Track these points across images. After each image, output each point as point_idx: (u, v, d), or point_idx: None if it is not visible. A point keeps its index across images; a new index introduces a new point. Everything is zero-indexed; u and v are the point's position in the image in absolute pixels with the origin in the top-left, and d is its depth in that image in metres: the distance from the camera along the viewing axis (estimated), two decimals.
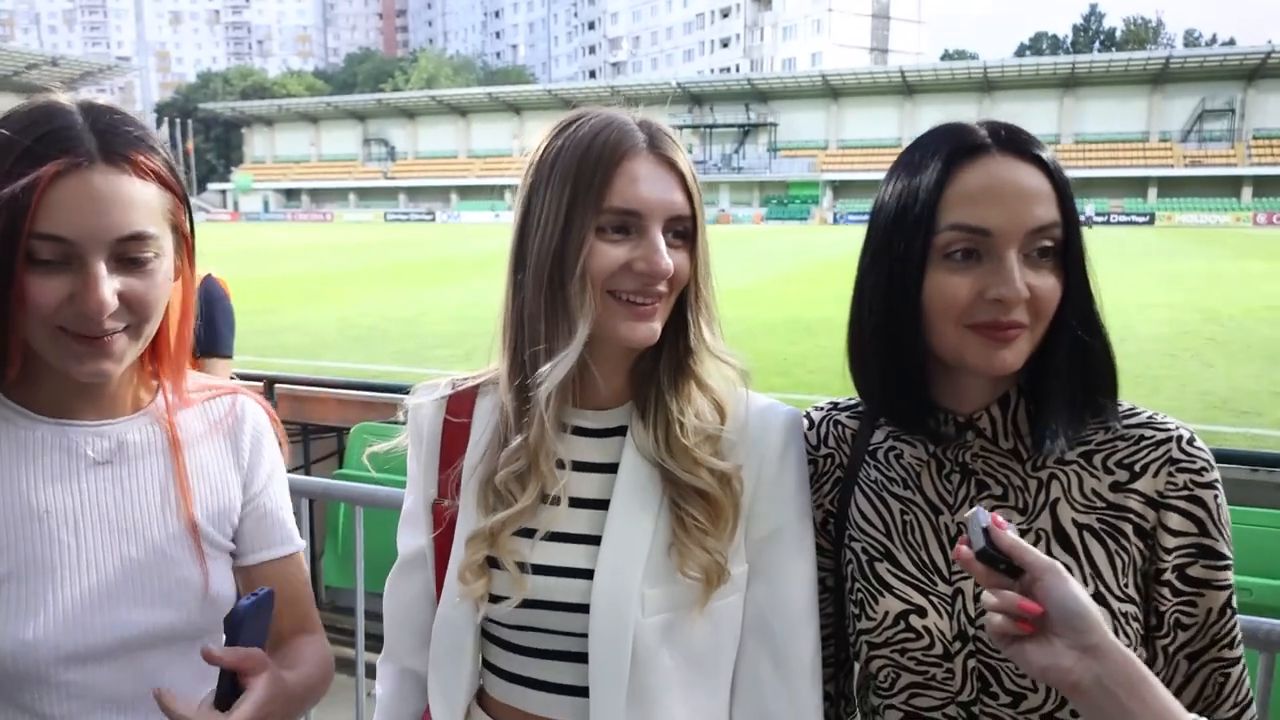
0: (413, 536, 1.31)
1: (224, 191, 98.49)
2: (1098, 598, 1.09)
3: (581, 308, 1.10)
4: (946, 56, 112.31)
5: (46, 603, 1.12)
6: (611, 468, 1.20)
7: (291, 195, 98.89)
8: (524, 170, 1.18)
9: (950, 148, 1.12)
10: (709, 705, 1.19)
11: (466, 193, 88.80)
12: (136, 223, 1.05)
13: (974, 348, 1.11)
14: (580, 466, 1.20)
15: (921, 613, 1.17)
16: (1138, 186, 69.05)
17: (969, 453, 1.20)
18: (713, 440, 1.18)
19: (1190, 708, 1.10)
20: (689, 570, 1.14)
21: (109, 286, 1.04)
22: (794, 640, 1.20)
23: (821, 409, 1.35)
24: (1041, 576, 0.93)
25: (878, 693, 1.24)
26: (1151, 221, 63.41)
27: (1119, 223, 63.39)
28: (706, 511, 1.15)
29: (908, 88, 77.14)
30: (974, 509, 0.99)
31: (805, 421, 1.33)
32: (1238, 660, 1.13)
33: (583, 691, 1.15)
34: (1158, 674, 1.10)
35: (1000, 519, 0.96)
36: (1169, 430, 1.14)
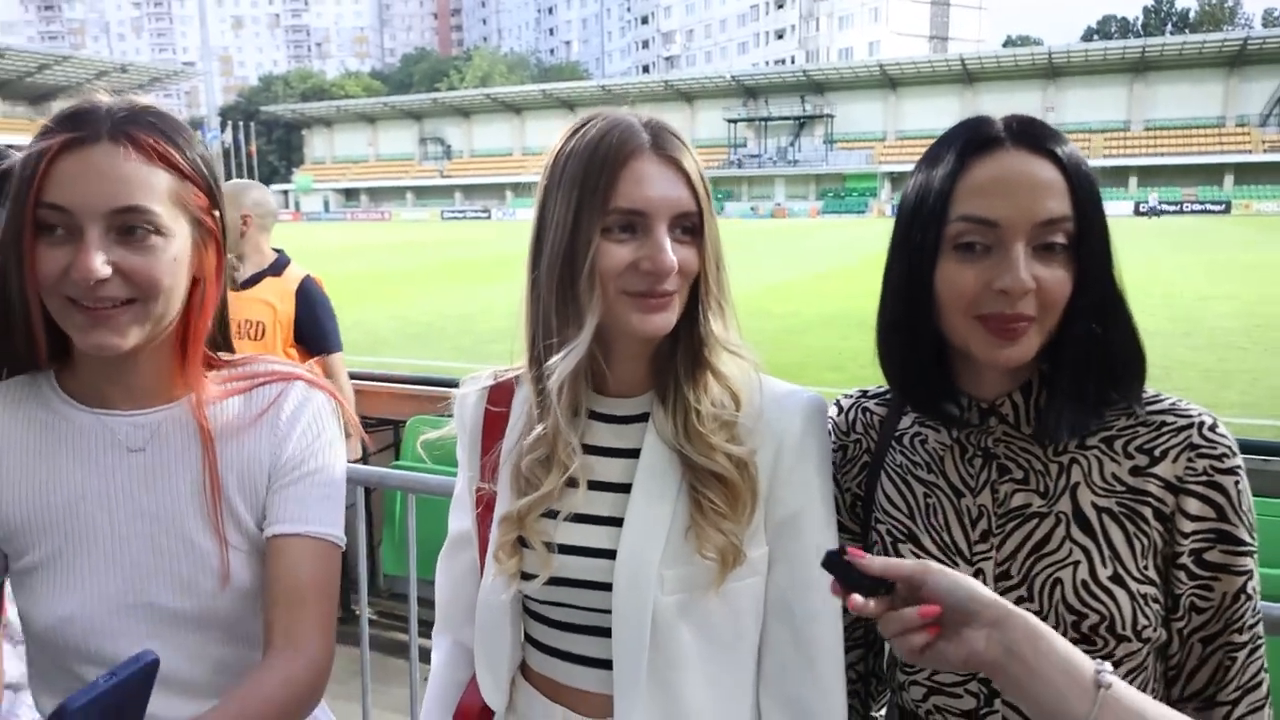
0: (460, 517, 1.40)
1: (286, 192, 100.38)
2: (1116, 579, 1.12)
3: (590, 304, 1.15)
4: (1009, 43, 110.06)
5: (83, 581, 1.19)
6: (633, 453, 1.25)
7: (350, 195, 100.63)
8: (540, 173, 1.22)
9: (965, 140, 1.15)
10: (728, 681, 1.24)
11: (521, 190, 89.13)
12: (133, 196, 1.09)
13: (980, 340, 1.13)
14: (603, 451, 1.26)
15: None
16: (1213, 174, 67.00)
17: (991, 438, 1.22)
18: (728, 426, 1.22)
19: (1203, 691, 1.14)
20: (705, 551, 1.18)
21: (100, 255, 1.07)
22: (815, 622, 1.24)
23: (851, 396, 1.39)
24: (923, 580, 0.95)
25: (903, 669, 1.27)
26: (1228, 210, 61.43)
27: (1193, 211, 61.59)
28: (723, 495, 1.19)
29: (968, 76, 75.84)
30: (822, 554, 0.99)
31: (834, 408, 1.37)
32: (1245, 645, 1.14)
33: (608, 664, 1.22)
34: (1172, 656, 1.15)
35: (854, 549, 0.98)
36: (1190, 416, 1.15)
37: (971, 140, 1.15)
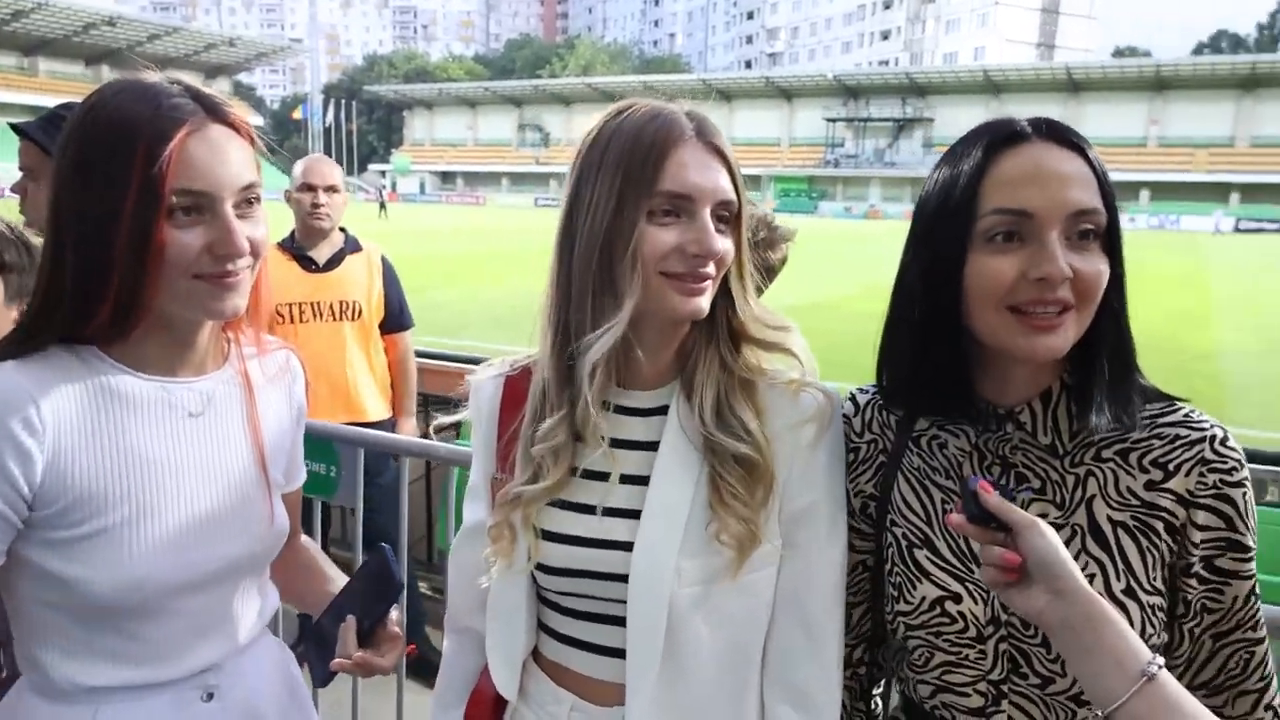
0: (475, 508, 1.40)
1: (383, 172, 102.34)
2: (1128, 592, 1.15)
3: (630, 286, 1.16)
4: (1118, 54, 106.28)
5: (154, 542, 1.24)
6: (652, 445, 1.26)
7: (447, 178, 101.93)
8: (572, 158, 1.24)
9: (990, 137, 1.16)
10: (742, 672, 1.26)
11: None
12: (251, 173, 1.20)
13: (1014, 332, 1.12)
14: (623, 444, 1.26)
15: (957, 599, 1.22)
16: None
17: (1009, 445, 1.22)
18: (757, 407, 1.24)
19: (1212, 680, 1.20)
20: (724, 538, 1.20)
21: (242, 230, 1.18)
22: (823, 613, 1.27)
23: (866, 392, 1.38)
24: (1022, 532, 1.02)
25: (911, 668, 1.29)
26: None
27: None
28: (744, 479, 1.21)
29: (1074, 85, 73.39)
30: (968, 475, 1.09)
31: (850, 406, 1.37)
32: (1261, 640, 1.19)
33: (622, 653, 1.24)
34: (1182, 653, 1.19)
35: (987, 484, 1.04)
36: (1204, 430, 1.16)
37: (998, 136, 1.15)
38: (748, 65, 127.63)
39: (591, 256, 1.18)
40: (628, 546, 1.22)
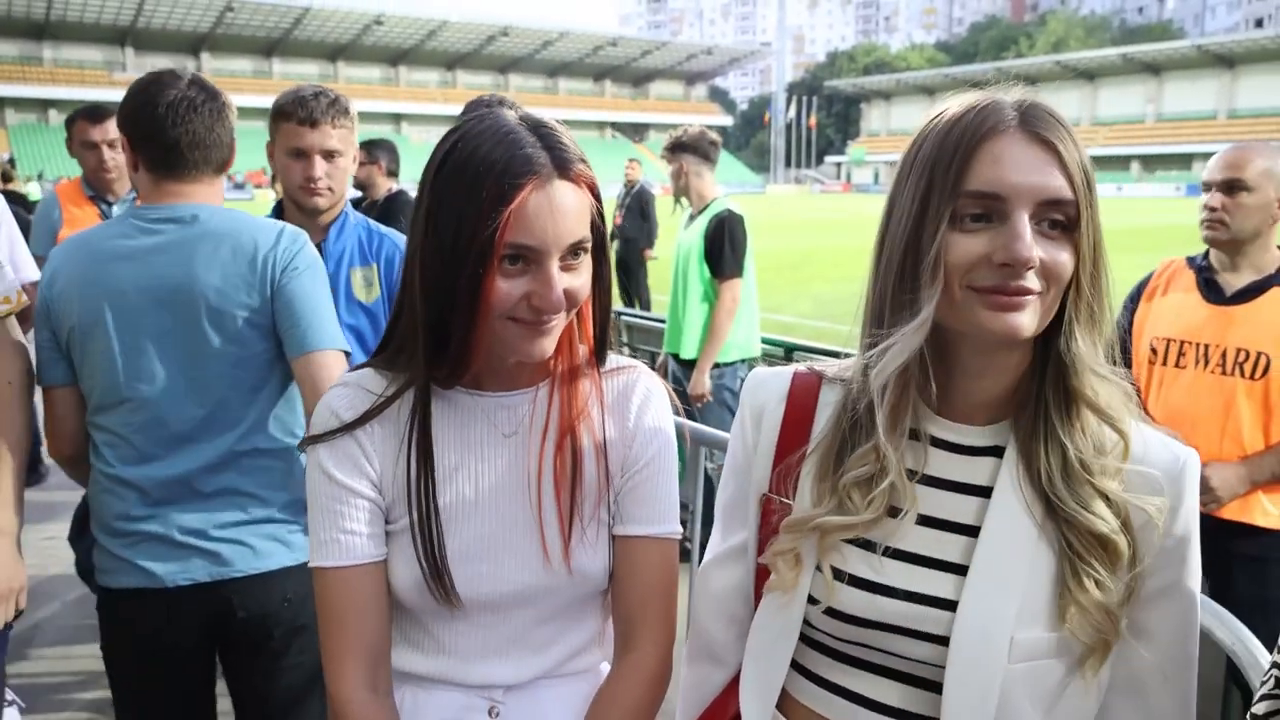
0: (734, 529, 1.28)
1: (839, 164, 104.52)
2: None
3: (929, 295, 1.02)
4: None
5: (451, 545, 1.28)
6: (978, 490, 1.10)
7: None
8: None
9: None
10: None
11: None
12: (579, 230, 1.19)
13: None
14: (939, 484, 1.11)
15: None
16: None
17: None
18: (1117, 475, 1.06)
19: None
20: (1077, 631, 1.03)
21: (560, 285, 1.18)
22: (1175, 714, 1.12)
23: None
24: None
25: None
26: None
27: None
28: (1104, 561, 1.04)
29: None
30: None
31: None
32: None
33: (913, 718, 1.10)
34: None
35: None
36: None
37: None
38: (1258, 24, 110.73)
39: (895, 265, 1.06)
40: (947, 604, 1.06)
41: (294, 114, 2.51)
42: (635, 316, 7.28)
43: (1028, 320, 1.01)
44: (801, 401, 1.21)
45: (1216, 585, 2.65)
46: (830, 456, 1.13)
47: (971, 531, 1.08)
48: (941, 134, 1.04)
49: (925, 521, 1.10)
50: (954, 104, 1.07)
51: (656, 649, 1.33)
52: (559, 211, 1.17)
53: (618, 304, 10.17)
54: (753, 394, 1.25)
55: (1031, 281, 1.00)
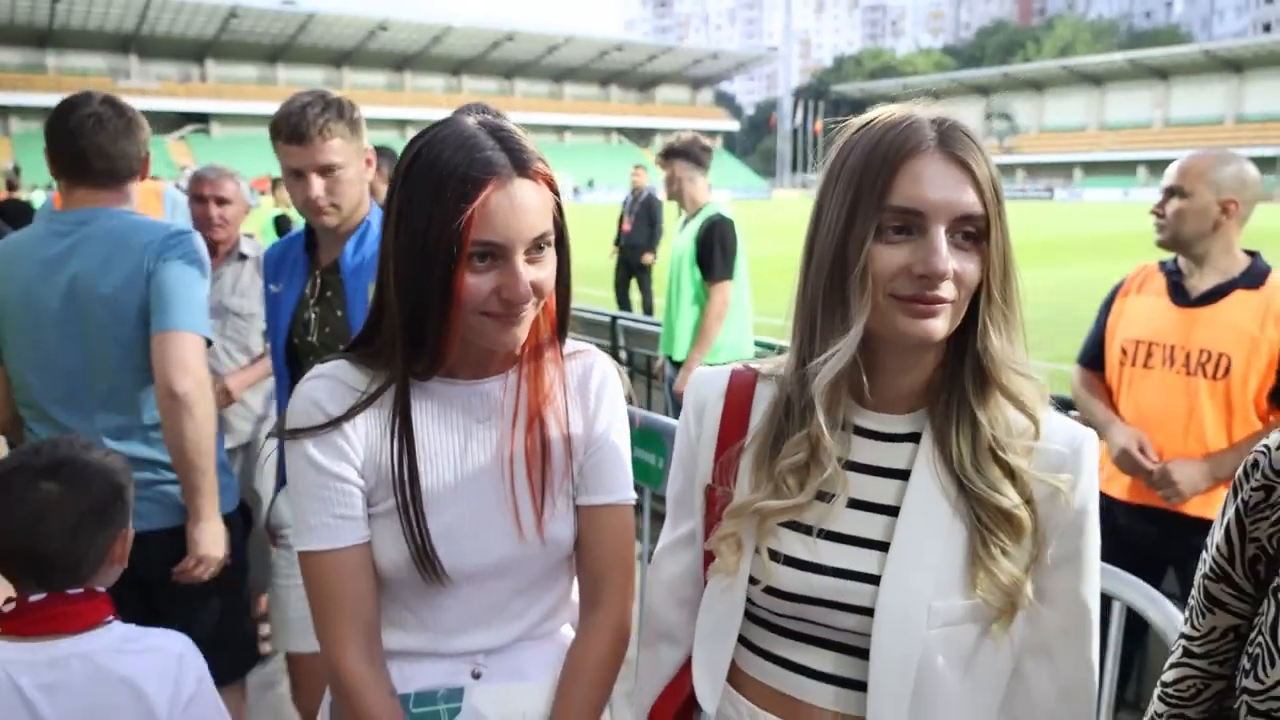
0: (682, 519, 1.38)
1: None
2: None
3: (858, 307, 1.11)
4: None
5: (435, 525, 1.36)
6: (898, 473, 1.20)
7: None
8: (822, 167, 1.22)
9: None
10: (982, 716, 1.21)
11: (1093, 169, 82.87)
12: (540, 224, 1.27)
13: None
14: (865, 469, 1.21)
15: None
16: None
17: None
18: (1027, 454, 1.17)
19: None
20: (987, 597, 1.13)
21: (527, 278, 1.26)
22: (1078, 670, 1.21)
23: None
24: None
25: None
26: None
27: None
28: (1010, 534, 1.14)
29: None
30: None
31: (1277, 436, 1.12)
32: None
33: (847, 683, 1.19)
34: None
35: None
36: None
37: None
38: (1266, 29, 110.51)
39: (824, 273, 1.14)
40: (872, 579, 1.16)
41: (282, 131, 2.43)
42: (634, 320, 7.35)
43: (942, 325, 1.12)
44: (739, 397, 1.30)
45: (1181, 578, 2.74)
46: (767, 446, 1.22)
47: (893, 511, 1.18)
48: (868, 149, 1.12)
49: (852, 504, 1.19)
50: (879, 118, 1.16)
51: (623, 600, 1.46)
52: (520, 209, 1.24)
53: (617, 306, 10.38)
54: (695, 391, 1.34)
55: (946, 290, 1.10)
